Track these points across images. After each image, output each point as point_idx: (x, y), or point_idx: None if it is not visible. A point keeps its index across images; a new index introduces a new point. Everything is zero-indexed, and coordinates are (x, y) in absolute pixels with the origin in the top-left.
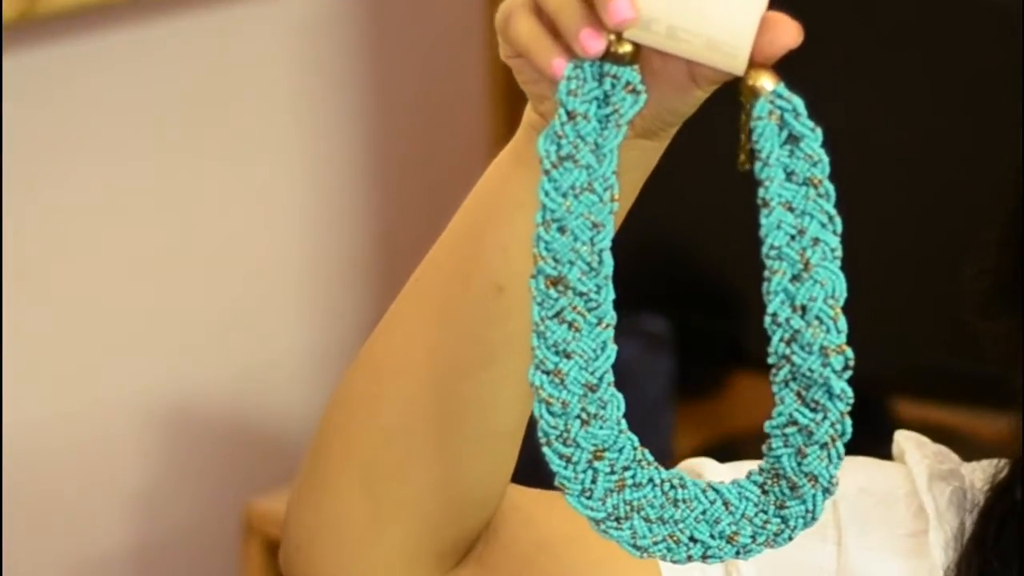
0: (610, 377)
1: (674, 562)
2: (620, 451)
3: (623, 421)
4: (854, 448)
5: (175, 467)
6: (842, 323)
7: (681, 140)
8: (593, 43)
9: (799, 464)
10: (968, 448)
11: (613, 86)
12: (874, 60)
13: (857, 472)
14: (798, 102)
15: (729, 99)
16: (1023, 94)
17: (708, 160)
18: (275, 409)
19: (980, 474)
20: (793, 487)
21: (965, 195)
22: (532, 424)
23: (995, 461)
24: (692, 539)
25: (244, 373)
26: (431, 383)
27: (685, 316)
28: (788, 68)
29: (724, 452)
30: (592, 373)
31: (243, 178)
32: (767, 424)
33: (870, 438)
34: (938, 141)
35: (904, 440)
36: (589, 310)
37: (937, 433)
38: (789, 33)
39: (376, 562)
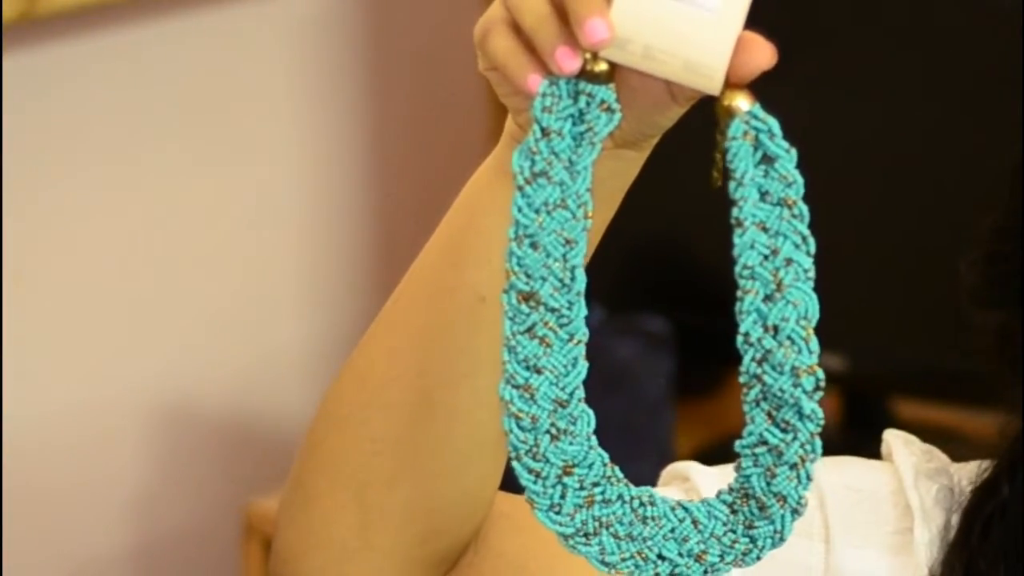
0: (580, 393)
1: None
2: (590, 467)
3: (593, 437)
4: (854, 448)
5: (175, 467)
6: (814, 344)
7: (681, 141)
8: (568, 62)
9: (768, 484)
10: (968, 448)
11: (588, 104)
12: (875, 60)
13: (845, 470)
14: (773, 123)
15: None
16: (1023, 94)
17: (708, 160)
18: (275, 409)
19: (967, 474)
20: (762, 507)
21: (965, 195)
22: None
23: (982, 462)
24: (660, 557)
25: (244, 373)
26: (418, 393)
27: (685, 316)
28: (790, 69)
29: (724, 452)
30: (563, 389)
31: (242, 178)
32: (737, 444)
33: (870, 438)
34: (938, 141)
35: (892, 438)
36: (561, 326)
37: (937, 433)
38: (764, 54)
39: (365, 572)
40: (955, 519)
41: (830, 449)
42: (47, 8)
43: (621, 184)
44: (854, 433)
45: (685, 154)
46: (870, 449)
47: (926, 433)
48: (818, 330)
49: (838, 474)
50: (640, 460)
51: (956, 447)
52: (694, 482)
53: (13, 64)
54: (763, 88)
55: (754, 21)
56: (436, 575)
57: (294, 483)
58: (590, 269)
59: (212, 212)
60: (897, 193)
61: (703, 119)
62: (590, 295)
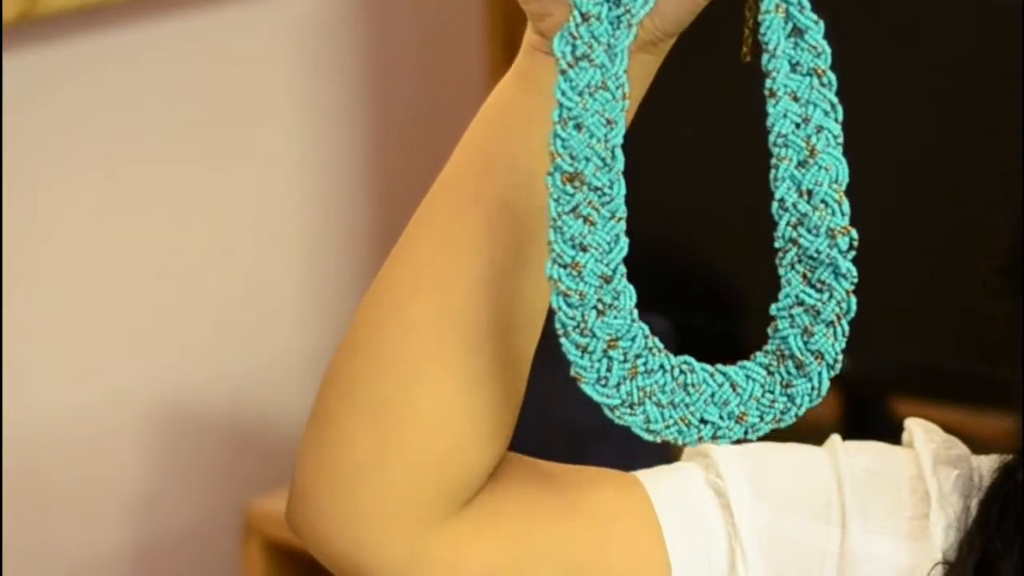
0: (623, 269)
1: (685, 443)
2: (633, 339)
3: (635, 311)
4: None
5: (175, 468)
6: (846, 206)
7: (683, 141)
8: None
9: (806, 343)
10: (969, 448)
11: None
12: (875, 60)
13: (864, 455)
14: None
15: (730, 99)
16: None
17: (709, 161)
18: (274, 409)
19: (988, 463)
20: (799, 365)
21: (966, 195)
22: (539, 408)
23: (1003, 456)
24: (703, 421)
25: (244, 373)
26: (437, 308)
27: (685, 316)
28: None
29: None
30: (607, 265)
31: (242, 178)
32: (773, 307)
33: (870, 438)
34: (939, 141)
35: (914, 426)
36: (603, 204)
37: None
38: None
39: (381, 494)
40: (974, 505)
41: None
42: (47, 8)
43: (638, 90)
44: (855, 433)
45: (685, 155)
46: None
47: None
48: None
49: (857, 458)
50: (640, 460)
51: None
52: (713, 458)
53: (13, 64)
54: (763, 90)
55: None
56: (451, 507)
57: (313, 413)
58: None
59: (212, 212)
60: (897, 194)
61: (706, 120)
62: None
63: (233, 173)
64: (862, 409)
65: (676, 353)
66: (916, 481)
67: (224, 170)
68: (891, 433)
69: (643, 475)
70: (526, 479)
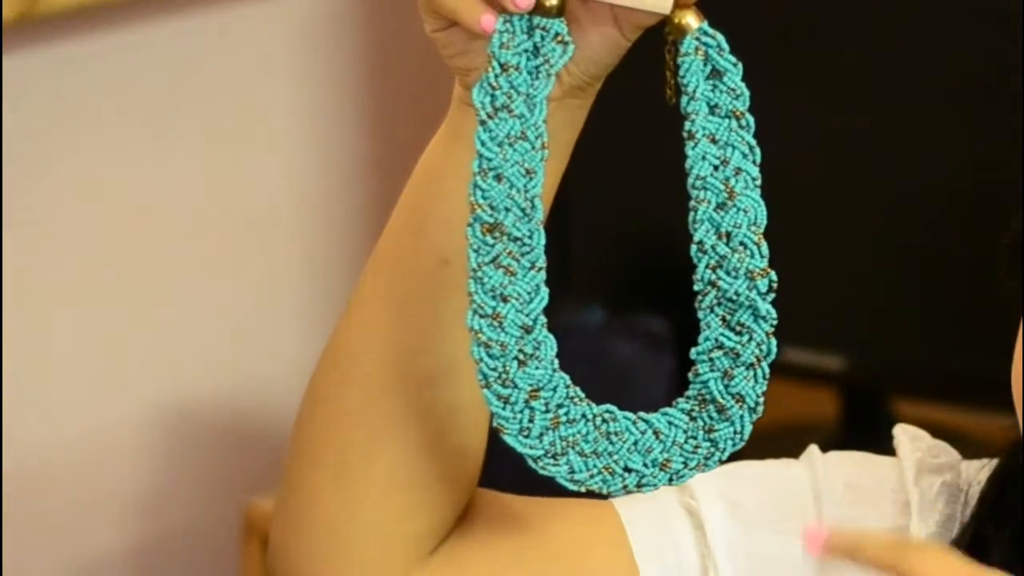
0: (543, 319)
1: (610, 494)
2: (554, 390)
3: (556, 360)
4: (855, 447)
5: (176, 468)
6: (764, 248)
7: (681, 140)
8: None
9: (726, 386)
10: (968, 448)
11: (543, 38)
12: (875, 62)
13: (845, 468)
14: (721, 38)
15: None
16: (1023, 95)
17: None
18: (275, 409)
19: (976, 469)
20: (721, 409)
21: (966, 197)
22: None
23: (991, 460)
24: (627, 469)
25: (244, 374)
26: (389, 364)
27: (685, 316)
28: (792, 68)
29: None
30: (527, 315)
31: (242, 178)
32: (693, 351)
33: (870, 438)
34: (938, 143)
35: (901, 433)
36: (523, 254)
37: (937, 433)
38: None
39: (352, 548)
40: (959, 512)
41: (829, 449)
42: (47, 8)
43: (570, 137)
44: (854, 433)
45: (684, 155)
46: (870, 449)
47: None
48: (818, 329)
49: (838, 471)
50: None
51: (956, 448)
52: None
53: (13, 64)
54: (765, 91)
55: (756, 25)
56: (422, 552)
57: (283, 473)
58: (590, 269)
59: (213, 212)
60: (897, 196)
61: None
62: (590, 296)
63: (233, 174)
64: (862, 409)
65: (677, 353)
66: (897, 492)
67: (224, 171)
68: (890, 434)
69: (617, 501)
70: (495, 519)
